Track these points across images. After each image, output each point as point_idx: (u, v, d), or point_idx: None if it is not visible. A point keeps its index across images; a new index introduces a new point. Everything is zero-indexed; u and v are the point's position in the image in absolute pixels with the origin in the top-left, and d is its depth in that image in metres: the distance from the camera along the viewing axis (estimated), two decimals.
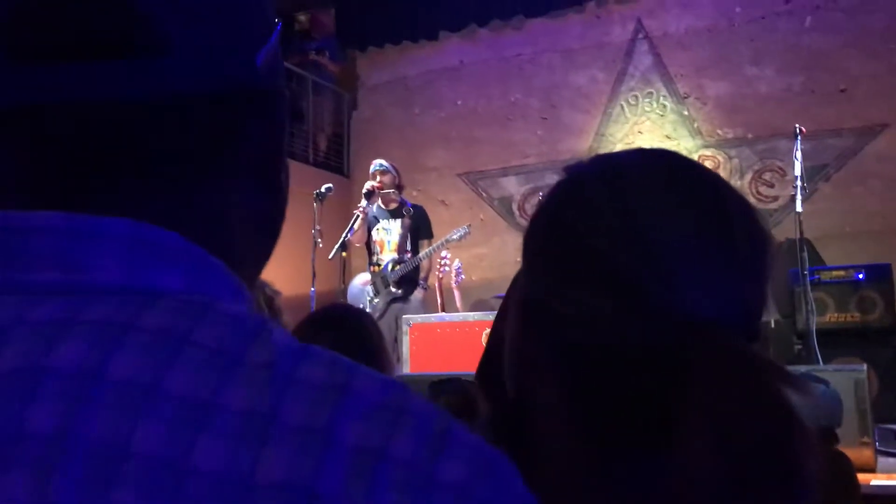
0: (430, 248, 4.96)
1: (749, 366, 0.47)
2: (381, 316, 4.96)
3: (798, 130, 4.25)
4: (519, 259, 0.60)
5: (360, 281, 5.22)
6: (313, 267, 4.74)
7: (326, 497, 0.32)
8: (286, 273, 5.97)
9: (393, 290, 4.98)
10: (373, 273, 5.11)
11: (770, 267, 0.55)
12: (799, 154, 4.22)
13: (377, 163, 5.15)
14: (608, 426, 0.52)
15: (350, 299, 4.93)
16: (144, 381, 0.33)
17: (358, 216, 4.94)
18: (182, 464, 0.32)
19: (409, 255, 5.00)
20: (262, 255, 0.50)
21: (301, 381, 0.35)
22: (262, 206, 0.48)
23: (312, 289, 4.68)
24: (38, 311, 0.36)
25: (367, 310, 4.87)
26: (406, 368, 4.21)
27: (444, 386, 2.35)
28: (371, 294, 5.09)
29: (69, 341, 0.35)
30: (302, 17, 8.62)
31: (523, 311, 0.57)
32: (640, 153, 0.60)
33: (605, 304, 0.51)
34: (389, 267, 5.01)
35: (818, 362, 3.81)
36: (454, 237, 4.95)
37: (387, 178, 5.07)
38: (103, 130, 0.40)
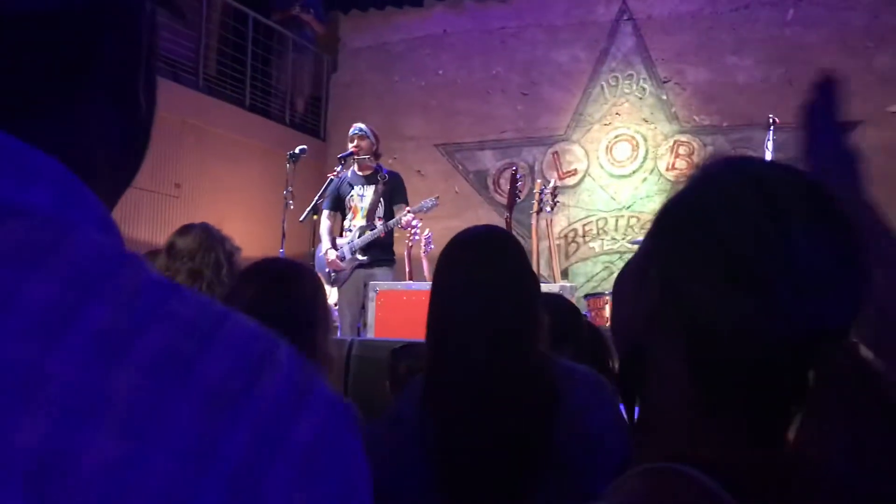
0: (396, 217, 4.92)
1: (872, 375, 0.55)
2: (345, 281, 4.97)
3: (771, 121, 4.30)
4: None
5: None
6: (283, 228, 4.73)
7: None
8: (256, 232, 5.95)
9: (359, 256, 4.97)
10: (342, 238, 5.10)
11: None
12: (770, 144, 4.29)
13: (356, 126, 5.07)
14: (722, 400, 0.59)
15: (317, 264, 4.93)
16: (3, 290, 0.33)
17: (331, 180, 4.91)
18: (36, 371, 0.32)
19: (380, 221, 4.99)
20: (124, 177, 0.48)
21: (168, 314, 0.35)
22: (122, 127, 0.46)
23: (282, 250, 4.67)
24: None
25: (332, 275, 4.88)
26: (371, 333, 4.24)
27: (406, 351, 2.38)
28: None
29: None
30: None
31: (661, 288, 0.62)
32: (784, 168, 0.65)
33: (743, 302, 0.57)
34: (357, 234, 4.99)
35: None
36: (424, 208, 4.95)
37: (364, 143, 5.00)
38: None
